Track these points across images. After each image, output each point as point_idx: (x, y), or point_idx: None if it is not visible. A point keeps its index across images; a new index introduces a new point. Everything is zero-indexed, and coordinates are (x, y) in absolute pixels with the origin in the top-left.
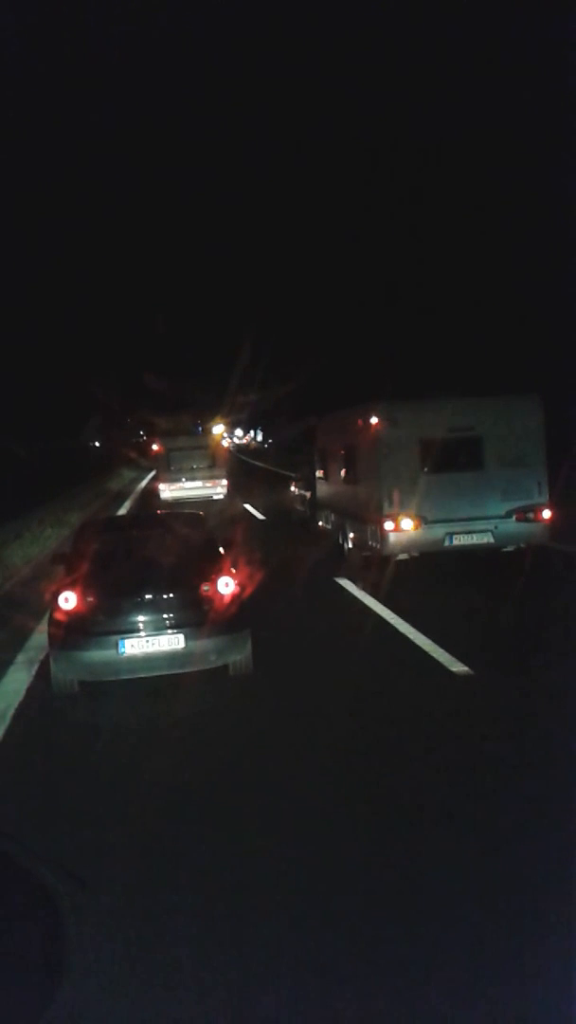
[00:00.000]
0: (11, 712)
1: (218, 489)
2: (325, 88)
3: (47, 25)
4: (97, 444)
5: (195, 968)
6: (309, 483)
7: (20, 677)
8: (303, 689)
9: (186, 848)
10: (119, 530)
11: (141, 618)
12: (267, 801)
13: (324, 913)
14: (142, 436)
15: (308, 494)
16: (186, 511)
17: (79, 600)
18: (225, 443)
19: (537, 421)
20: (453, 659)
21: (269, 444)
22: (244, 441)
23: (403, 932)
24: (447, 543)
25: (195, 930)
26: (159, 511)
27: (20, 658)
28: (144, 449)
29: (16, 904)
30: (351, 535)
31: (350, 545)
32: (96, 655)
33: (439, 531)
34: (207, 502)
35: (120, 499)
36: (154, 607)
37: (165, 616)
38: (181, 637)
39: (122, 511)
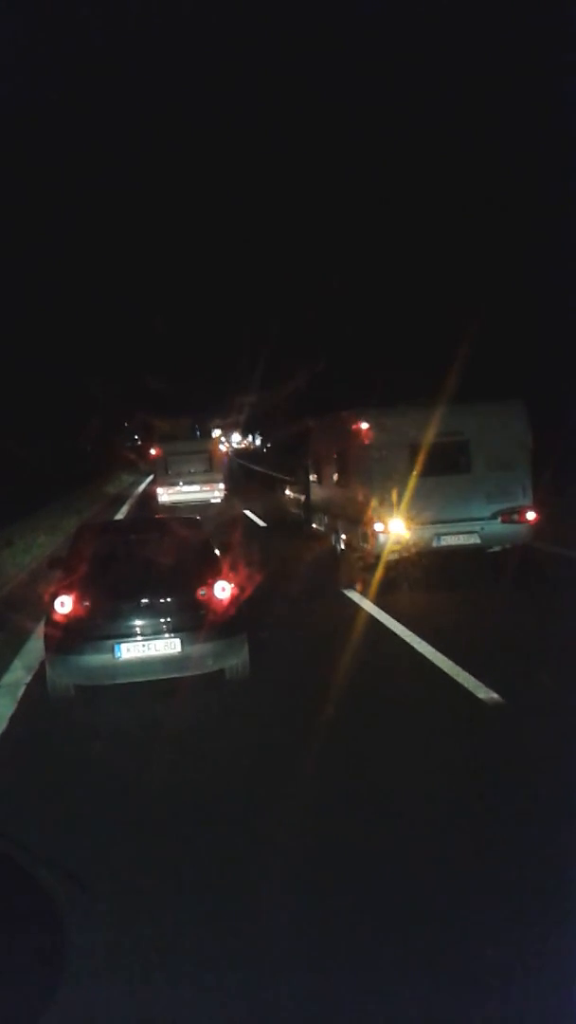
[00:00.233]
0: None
1: (215, 493)
2: (325, 88)
3: (46, 25)
4: (89, 448)
5: (195, 968)
6: (304, 486)
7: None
8: (303, 689)
9: (185, 849)
10: (116, 534)
11: (138, 622)
12: (267, 801)
13: (324, 913)
14: (136, 440)
15: (303, 497)
16: (183, 516)
17: (75, 604)
18: (223, 447)
19: (522, 426)
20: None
21: (268, 447)
22: (242, 445)
23: (403, 933)
24: (435, 543)
25: (195, 930)
26: (157, 515)
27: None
28: (142, 452)
29: (16, 904)
30: (343, 536)
31: (342, 547)
32: (92, 659)
33: (428, 532)
34: (204, 506)
35: (118, 503)
36: (151, 611)
37: (162, 620)
38: (177, 641)
39: (119, 516)
